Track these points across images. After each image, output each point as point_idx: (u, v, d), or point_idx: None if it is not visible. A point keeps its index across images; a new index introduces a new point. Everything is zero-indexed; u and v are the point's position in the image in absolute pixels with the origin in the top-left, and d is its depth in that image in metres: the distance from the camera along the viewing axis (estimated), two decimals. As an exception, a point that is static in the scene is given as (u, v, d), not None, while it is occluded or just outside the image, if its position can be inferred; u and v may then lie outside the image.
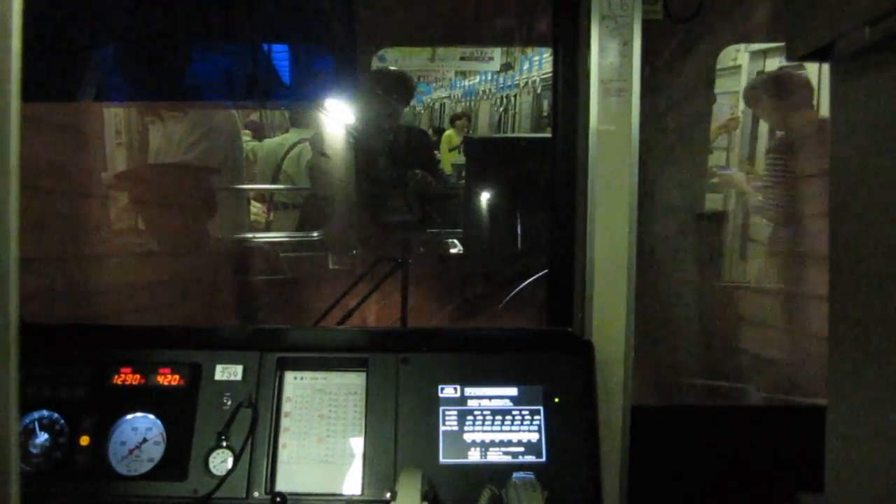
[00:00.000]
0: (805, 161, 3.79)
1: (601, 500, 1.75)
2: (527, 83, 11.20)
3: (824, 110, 4.27)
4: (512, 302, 3.74)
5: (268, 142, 5.28)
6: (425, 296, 3.71)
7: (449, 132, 10.28)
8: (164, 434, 1.81)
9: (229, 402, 1.83)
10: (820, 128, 3.87)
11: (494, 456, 1.80)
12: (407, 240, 3.93)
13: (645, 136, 1.93)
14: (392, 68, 6.42)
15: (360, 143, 4.09)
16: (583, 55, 1.97)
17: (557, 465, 1.78)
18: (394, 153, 4.34)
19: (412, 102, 10.71)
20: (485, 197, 4.15)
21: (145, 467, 1.79)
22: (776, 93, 4.08)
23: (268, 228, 4.88)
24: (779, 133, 4.40)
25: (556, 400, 1.84)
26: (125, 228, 3.73)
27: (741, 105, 5.57)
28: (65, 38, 2.37)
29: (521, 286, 3.68)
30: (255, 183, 4.98)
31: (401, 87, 4.60)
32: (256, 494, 1.74)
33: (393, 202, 4.20)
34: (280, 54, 2.83)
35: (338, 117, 4.13)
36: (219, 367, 1.87)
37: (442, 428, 1.82)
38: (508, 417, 1.83)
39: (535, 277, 3.63)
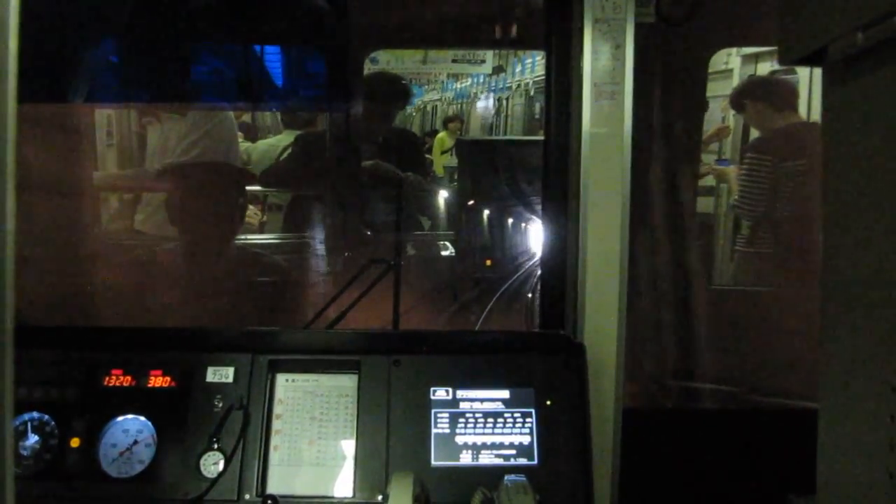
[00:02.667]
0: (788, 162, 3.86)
1: (592, 502, 1.75)
2: (519, 86, 11.21)
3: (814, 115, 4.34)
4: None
5: (262, 143, 5.26)
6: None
7: (442, 135, 10.29)
8: (155, 436, 1.81)
9: (221, 405, 1.82)
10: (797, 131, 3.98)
11: (486, 458, 1.80)
12: (399, 241, 3.92)
13: (637, 140, 1.93)
14: (388, 71, 6.41)
15: (351, 144, 4.08)
16: (576, 58, 1.98)
17: (549, 468, 1.78)
18: (384, 155, 4.34)
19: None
20: (476, 199, 4.15)
21: (136, 469, 1.78)
22: (762, 96, 4.14)
23: (261, 230, 4.85)
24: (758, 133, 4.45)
25: (548, 402, 1.84)
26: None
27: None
28: (59, 39, 2.36)
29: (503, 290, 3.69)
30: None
31: (396, 90, 4.59)
32: (248, 497, 1.74)
33: (384, 204, 4.20)
34: (273, 56, 2.83)
35: (329, 118, 4.12)
36: (210, 370, 1.87)
37: (434, 430, 1.81)
38: (500, 420, 1.83)
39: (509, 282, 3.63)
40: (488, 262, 4.17)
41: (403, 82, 4.98)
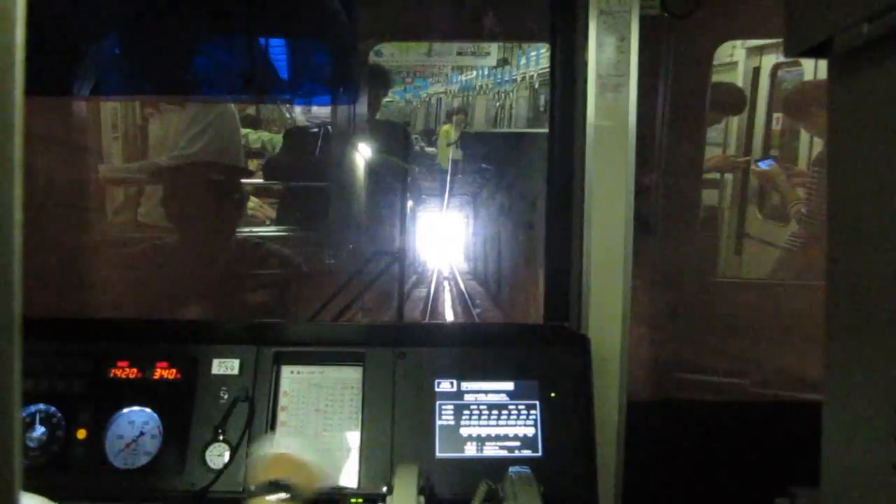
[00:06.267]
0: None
1: (597, 494, 1.76)
2: (524, 78, 11.19)
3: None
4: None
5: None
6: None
7: (446, 127, 10.28)
8: (161, 428, 1.81)
9: (226, 396, 1.83)
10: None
11: (490, 450, 1.80)
12: (403, 234, 3.92)
13: (642, 132, 1.93)
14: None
15: (336, 138, 4.08)
16: (580, 50, 1.98)
17: (553, 460, 1.78)
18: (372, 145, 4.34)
19: (410, 97, 10.75)
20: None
21: (142, 461, 1.79)
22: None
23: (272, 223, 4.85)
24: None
25: (553, 395, 1.85)
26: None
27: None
28: (63, 32, 2.36)
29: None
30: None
31: (379, 80, 4.59)
32: (253, 488, 1.74)
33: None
34: (277, 48, 2.83)
35: (332, 111, 4.11)
36: (216, 362, 1.87)
37: (438, 422, 1.82)
38: (505, 412, 1.83)
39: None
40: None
41: (382, 71, 4.96)
